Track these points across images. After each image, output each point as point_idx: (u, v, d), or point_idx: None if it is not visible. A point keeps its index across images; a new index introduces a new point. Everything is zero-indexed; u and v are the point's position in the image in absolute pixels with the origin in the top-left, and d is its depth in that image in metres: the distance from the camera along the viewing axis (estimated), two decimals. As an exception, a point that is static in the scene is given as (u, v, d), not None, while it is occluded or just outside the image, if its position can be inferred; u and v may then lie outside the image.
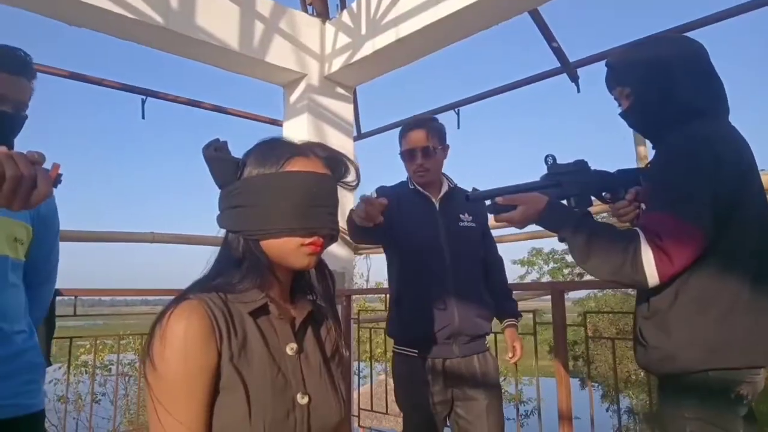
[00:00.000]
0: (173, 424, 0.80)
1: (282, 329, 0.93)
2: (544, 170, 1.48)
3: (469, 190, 1.57)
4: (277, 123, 4.16)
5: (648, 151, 3.45)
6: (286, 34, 3.26)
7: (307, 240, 0.91)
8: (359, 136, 4.19)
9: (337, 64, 3.33)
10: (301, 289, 1.03)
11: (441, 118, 2.32)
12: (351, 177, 1.02)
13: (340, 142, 3.39)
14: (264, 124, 4.22)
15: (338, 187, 1.01)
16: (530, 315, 2.72)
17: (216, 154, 0.94)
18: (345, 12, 3.32)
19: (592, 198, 1.48)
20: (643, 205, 1.39)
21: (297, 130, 3.39)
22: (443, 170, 2.02)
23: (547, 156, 1.45)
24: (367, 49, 3.14)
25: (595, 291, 13.06)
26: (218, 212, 0.98)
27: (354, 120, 3.71)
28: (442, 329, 1.81)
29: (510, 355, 2.04)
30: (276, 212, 0.90)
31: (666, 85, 1.33)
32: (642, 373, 11.90)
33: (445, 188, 1.98)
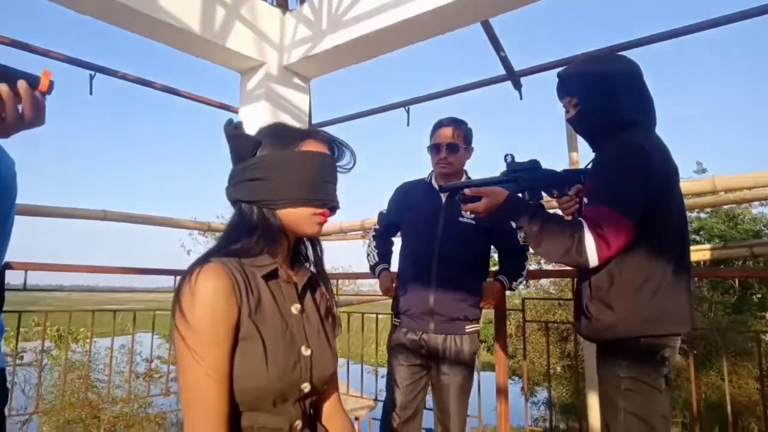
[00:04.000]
0: (196, 365, 0.91)
1: (288, 291, 1.07)
2: (495, 168, 1.72)
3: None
4: (229, 108, 4.17)
5: (579, 157, 3.79)
6: (246, 22, 3.30)
7: (318, 210, 1.06)
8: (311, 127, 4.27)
9: (296, 55, 3.41)
10: (298, 257, 1.16)
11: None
12: (346, 160, 1.16)
13: (295, 131, 3.46)
14: (215, 108, 4.21)
15: None
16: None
17: (236, 132, 1.06)
18: (306, 5, 3.40)
19: (542, 193, 1.70)
20: (585, 200, 1.61)
21: (253, 116, 3.44)
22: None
23: (506, 155, 1.66)
24: (327, 43, 3.24)
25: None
26: (229, 185, 1.09)
27: (309, 111, 3.80)
28: (419, 306, 2.15)
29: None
30: (294, 185, 1.03)
31: (608, 97, 1.56)
32: (559, 368, 12.70)
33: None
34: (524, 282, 2.38)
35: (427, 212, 2.22)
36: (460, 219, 2.17)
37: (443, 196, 2.21)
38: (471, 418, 3.01)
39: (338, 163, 1.14)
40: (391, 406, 2.16)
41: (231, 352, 0.95)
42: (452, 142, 2.20)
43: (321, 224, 1.09)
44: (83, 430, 8.13)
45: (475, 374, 2.26)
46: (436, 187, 2.25)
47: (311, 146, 1.08)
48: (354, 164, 1.15)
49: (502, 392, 2.64)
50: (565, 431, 10.12)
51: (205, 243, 13.82)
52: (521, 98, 3.73)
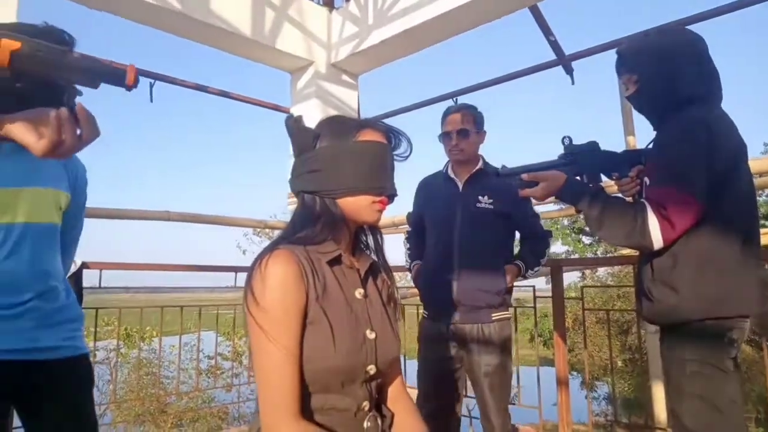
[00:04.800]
0: (274, 349, 0.95)
1: (351, 277, 1.10)
2: (542, 158, 1.70)
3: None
4: (280, 109, 4.27)
5: (636, 141, 3.66)
6: (295, 22, 3.37)
7: (377, 198, 1.08)
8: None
9: (343, 52, 3.45)
10: (359, 245, 1.19)
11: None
12: (403, 148, 1.18)
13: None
14: (267, 110, 4.32)
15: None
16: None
17: (297, 125, 1.10)
18: (351, 2, 3.44)
19: (601, 175, 1.66)
20: (647, 180, 1.57)
21: (304, 115, 3.51)
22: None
23: (564, 137, 1.63)
24: (374, 38, 3.27)
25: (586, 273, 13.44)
26: (293, 177, 1.13)
27: (357, 107, 3.84)
28: (444, 296, 2.11)
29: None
30: (352, 174, 1.06)
31: (670, 73, 1.51)
32: (620, 362, 12.29)
33: (474, 169, 2.19)
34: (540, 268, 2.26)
35: (445, 201, 2.20)
36: (478, 205, 2.13)
37: (460, 184, 2.18)
38: (527, 408, 2.98)
39: (395, 152, 1.16)
40: (423, 398, 2.14)
41: (301, 334, 0.99)
42: (462, 128, 2.17)
43: (380, 212, 1.12)
44: (152, 423, 8.53)
45: (514, 369, 2.19)
46: (452, 176, 2.22)
47: (368, 136, 1.10)
48: (410, 152, 1.17)
49: (562, 382, 2.60)
50: (628, 425, 9.81)
51: (260, 243, 14.14)
52: (573, 83, 3.65)
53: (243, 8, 3.12)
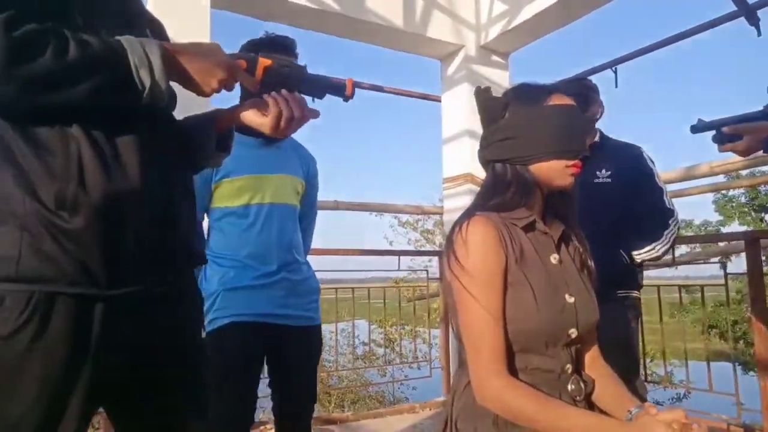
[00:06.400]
0: (479, 308, 0.99)
1: (545, 242, 1.10)
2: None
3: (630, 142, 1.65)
4: (429, 98, 4.35)
5: None
6: (443, 8, 3.41)
7: (571, 162, 1.07)
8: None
9: (493, 32, 3.41)
10: (550, 211, 1.18)
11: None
12: (593, 110, 1.15)
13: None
14: (417, 100, 4.42)
15: None
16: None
17: (486, 95, 1.13)
18: (500, -21, 3.39)
19: None
20: None
21: (456, 101, 3.54)
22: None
23: (770, 86, 1.45)
24: (526, 13, 3.18)
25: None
26: (482, 148, 1.16)
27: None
28: None
29: None
30: (545, 139, 1.07)
31: None
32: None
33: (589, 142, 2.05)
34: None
35: None
36: (595, 180, 1.96)
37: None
38: (723, 396, 2.70)
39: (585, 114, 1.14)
40: None
41: (504, 296, 1.02)
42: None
43: (573, 176, 1.10)
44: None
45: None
46: None
47: (559, 100, 1.10)
48: (602, 114, 1.14)
49: (764, 367, 2.30)
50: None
51: (405, 234, 14.43)
52: (759, 34, 3.20)
53: (395, 1, 3.23)
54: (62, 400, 0.78)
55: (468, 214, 1.08)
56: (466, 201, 3.40)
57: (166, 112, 0.96)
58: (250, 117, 1.01)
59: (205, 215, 1.68)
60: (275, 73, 1.01)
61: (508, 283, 1.03)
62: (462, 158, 3.49)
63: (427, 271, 3.94)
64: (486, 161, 1.16)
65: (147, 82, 0.82)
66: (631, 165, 1.98)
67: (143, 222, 0.85)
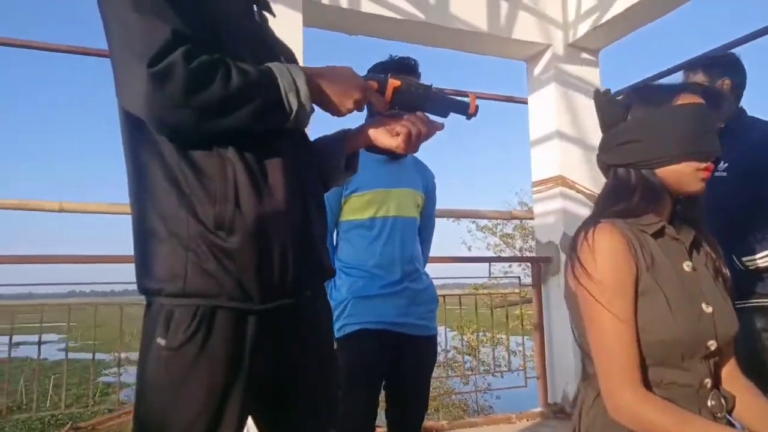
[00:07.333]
0: (608, 316, 0.96)
1: (677, 249, 1.05)
2: None
3: None
4: (514, 100, 4.28)
5: None
6: (529, 8, 3.34)
7: (702, 165, 1.02)
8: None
9: (582, 29, 3.31)
10: (678, 216, 1.13)
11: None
12: (723, 108, 1.09)
13: (588, 108, 3.35)
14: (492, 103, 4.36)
15: None
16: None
17: (606, 98, 1.09)
18: (589, -26, 3.28)
19: None
20: None
21: (544, 102, 3.46)
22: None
23: None
24: (617, 7, 3.06)
25: None
26: (601, 152, 1.13)
27: (599, 85, 3.63)
28: None
29: None
30: (674, 141, 1.02)
31: None
32: None
33: None
34: None
35: None
36: (715, 174, 1.72)
37: None
38: None
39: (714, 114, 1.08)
40: None
41: (635, 304, 0.98)
42: None
43: (704, 180, 1.05)
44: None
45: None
46: None
47: (686, 99, 1.04)
48: (735, 110, 1.07)
49: None
50: None
51: (483, 238, 14.19)
52: None
53: (479, 6, 3.21)
54: (223, 408, 0.84)
55: (593, 221, 1.05)
56: (558, 204, 3.30)
57: (302, 133, 1.02)
58: (383, 139, 1.05)
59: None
60: (403, 93, 1.03)
61: (639, 292, 0.99)
62: (552, 160, 3.39)
63: (519, 278, 3.85)
64: (606, 166, 1.12)
65: (294, 106, 0.87)
66: (749, 153, 1.70)
67: (286, 240, 0.90)
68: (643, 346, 0.97)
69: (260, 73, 0.85)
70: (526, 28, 3.33)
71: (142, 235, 0.89)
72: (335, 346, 1.12)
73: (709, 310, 1.01)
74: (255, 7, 1.04)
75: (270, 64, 0.88)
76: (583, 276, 0.99)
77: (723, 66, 1.82)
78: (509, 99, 4.26)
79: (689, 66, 1.92)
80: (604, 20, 3.14)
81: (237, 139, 0.87)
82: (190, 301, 0.83)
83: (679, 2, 3.01)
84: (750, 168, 1.72)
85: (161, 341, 0.83)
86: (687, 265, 1.04)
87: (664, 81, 3.85)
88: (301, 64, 1.06)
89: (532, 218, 3.70)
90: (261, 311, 0.88)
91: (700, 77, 1.82)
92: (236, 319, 0.86)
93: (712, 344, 0.99)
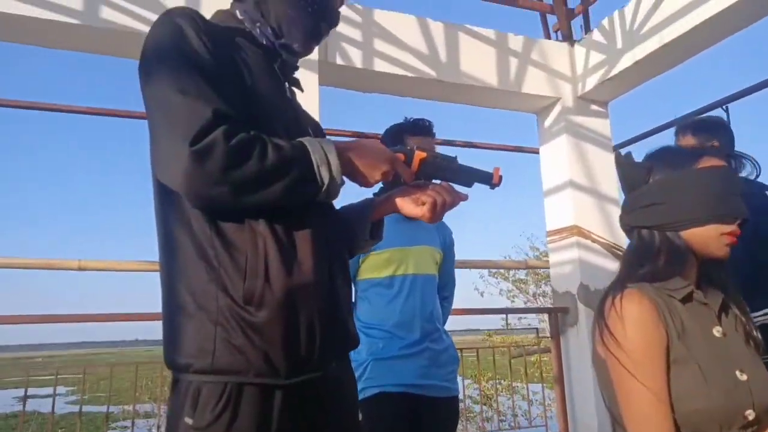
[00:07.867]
0: (640, 388, 0.94)
1: (706, 314, 1.04)
2: None
3: None
4: (523, 150, 4.32)
5: None
6: (537, 64, 3.43)
7: (728, 228, 1.02)
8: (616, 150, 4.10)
9: (591, 82, 3.37)
10: (704, 280, 1.12)
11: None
12: (747, 170, 1.10)
13: (600, 158, 3.38)
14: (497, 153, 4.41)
15: None
16: None
17: (628, 161, 1.11)
18: (596, 31, 3.37)
19: None
20: None
21: (556, 152, 3.49)
22: None
23: None
24: (625, 62, 3.13)
25: None
26: (624, 214, 1.13)
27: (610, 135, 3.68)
28: None
29: None
30: (697, 204, 1.02)
31: None
32: None
33: None
34: None
35: None
36: None
37: None
38: None
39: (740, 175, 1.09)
40: None
41: (667, 374, 0.96)
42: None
43: (729, 245, 1.04)
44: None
45: None
46: None
47: (708, 162, 1.06)
48: (759, 173, 1.08)
49: None
50: None
51: (496, 284, 14.03)
52: None
53: (488, 62, 3.30)
54: None
55: (620, 286, 1.04)
56: (574, 254, 3.28)
57: (330, 203, 1.04)
58: (409, 208, 1.07)
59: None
60: (429, 164, 1.06)
61: (670, 361, 0.97)
62: (566, 210, 3.39)
63: (536, 329, 3.79)
64: (630, 227, 1.13)
65: (326, 179, 0.89)
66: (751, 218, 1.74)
67: (313, 312, 0.90)
68: (678, 417, 0.95)
69: (293, 147, 0.88)
70: (535, 83, 3.40)
71: (171, 309, 0.90)
72: (359, 416, 1.09)
73: (744, 377, 0.99)
74: (287, 84, 1.08)
75: (302, 139, 0.91)
76: (613, 344, 0.98)
77: (710, 129, 1.86)
78: (519, 149, 4.31)
79: (679, 129, 1.97)
80: (612, 74, 3.21)
81: (268, 211, 0.88)
82: (218, 378, 0.83)
83: (686, 56, 3.08)
84: (751, 233, 1.73)
85: (189, 420, 0.82)
86: (717, 331, 1.03)
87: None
88: (317, 119, 1.09)
89: (547, 267, 3.67)
90: (287, 385, 0.87)
91: (689, 140, 1.88)
92: (263, 394, 0.85)
93: (750, 414, 0.97)
